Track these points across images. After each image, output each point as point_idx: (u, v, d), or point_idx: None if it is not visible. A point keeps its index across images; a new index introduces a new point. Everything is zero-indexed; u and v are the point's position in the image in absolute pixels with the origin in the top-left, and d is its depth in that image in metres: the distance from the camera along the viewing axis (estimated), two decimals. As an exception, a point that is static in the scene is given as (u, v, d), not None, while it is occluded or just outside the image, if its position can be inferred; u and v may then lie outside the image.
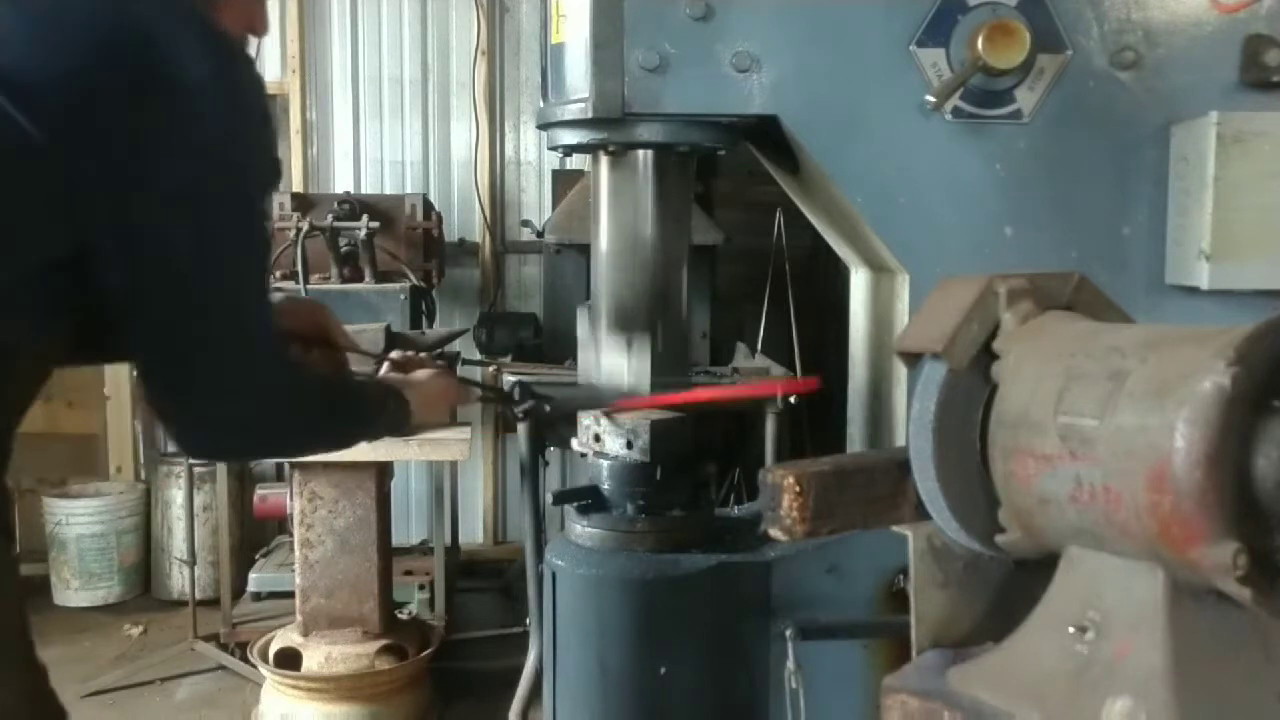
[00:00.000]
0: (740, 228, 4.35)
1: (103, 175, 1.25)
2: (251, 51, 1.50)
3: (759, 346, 4.03)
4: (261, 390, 1.43)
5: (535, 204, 5.50)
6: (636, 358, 1.94)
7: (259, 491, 4.49)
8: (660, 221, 2.03)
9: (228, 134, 1.32)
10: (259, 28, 1.55)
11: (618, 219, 2.05)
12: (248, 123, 1.36)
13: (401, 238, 4.44)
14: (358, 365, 1.89)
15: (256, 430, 1.46)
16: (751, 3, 1.87)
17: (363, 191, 5.01)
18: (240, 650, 4.18)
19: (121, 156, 1.25)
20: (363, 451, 3.47)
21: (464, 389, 2.00)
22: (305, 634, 3.60)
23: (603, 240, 2.07)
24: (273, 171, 1.46)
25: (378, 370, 1.91)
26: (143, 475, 5.35)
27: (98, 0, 1.31)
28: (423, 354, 2.07)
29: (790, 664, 1.80)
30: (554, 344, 3.92)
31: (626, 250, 2.04)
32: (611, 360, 2.02)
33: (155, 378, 1.41)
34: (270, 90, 5.26)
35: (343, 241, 4.09)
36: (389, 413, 1.70)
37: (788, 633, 1.82)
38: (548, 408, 2.05)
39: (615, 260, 2.06)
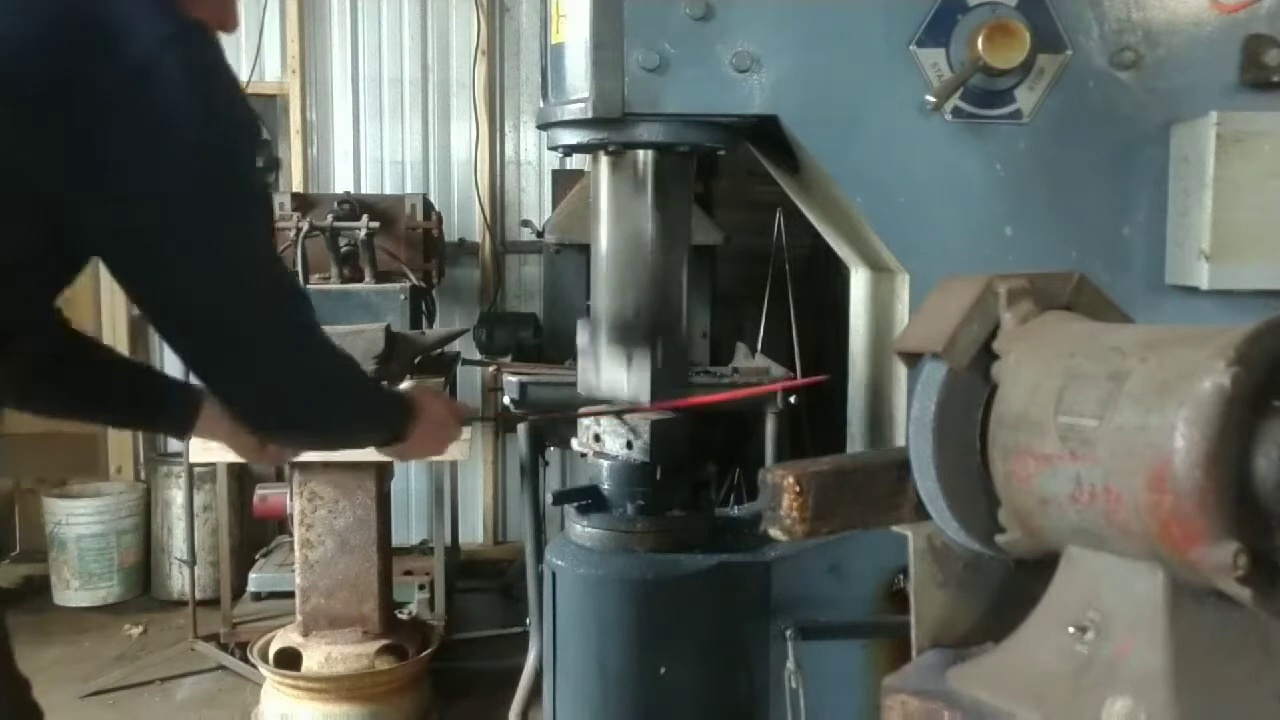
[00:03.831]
0: (740, 228, 4.34)
1: (71, 165, 1.23)
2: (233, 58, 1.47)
3: (759, 346, 4.03)
4: (285, 348, 1.42)
5: (535, 204, 5.50)
6: (636, 374, 1.92)
7: (259, 491, 4.49)
8: (661, 234, 1.99)
9: (192, 111, 1.27)
10: (228, 23, 1.51)
11: (618, 229, 2.02)
12: (211, 91, 1.31)
13: (401, 238, 4.44)
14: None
15: (297, 399, 1.46)
16: (751, 3, 1.87)
17: (363, 191, 5.01)
18: (240, 650, 4.17)
19: (88, 147, 1.23)
20: (363, 451, 3.48)
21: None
22: (305, 634, 3.60)
23: (602, 250, 2.04)
24: (248, 134, 1.41)
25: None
26: (143, 475, 5.35)
27: None
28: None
29: (790, 664, 1.80)
30: (554, 344, 3.92)
31: (627, 265, 2.00)
32: (611, 375, 2.00)
33: (199, 367, 1.42)
34: (270, 90, 5.30)
35: (343, 241, 4.09)
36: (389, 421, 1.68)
37: (788, 633, 1.82)
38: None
39: (614, 275, 2.02)
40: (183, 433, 1.76)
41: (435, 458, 1.85)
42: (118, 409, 1.79)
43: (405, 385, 1.80)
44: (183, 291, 1.34)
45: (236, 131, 1.36)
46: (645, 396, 1.90)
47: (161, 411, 1.74)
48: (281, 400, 1.46)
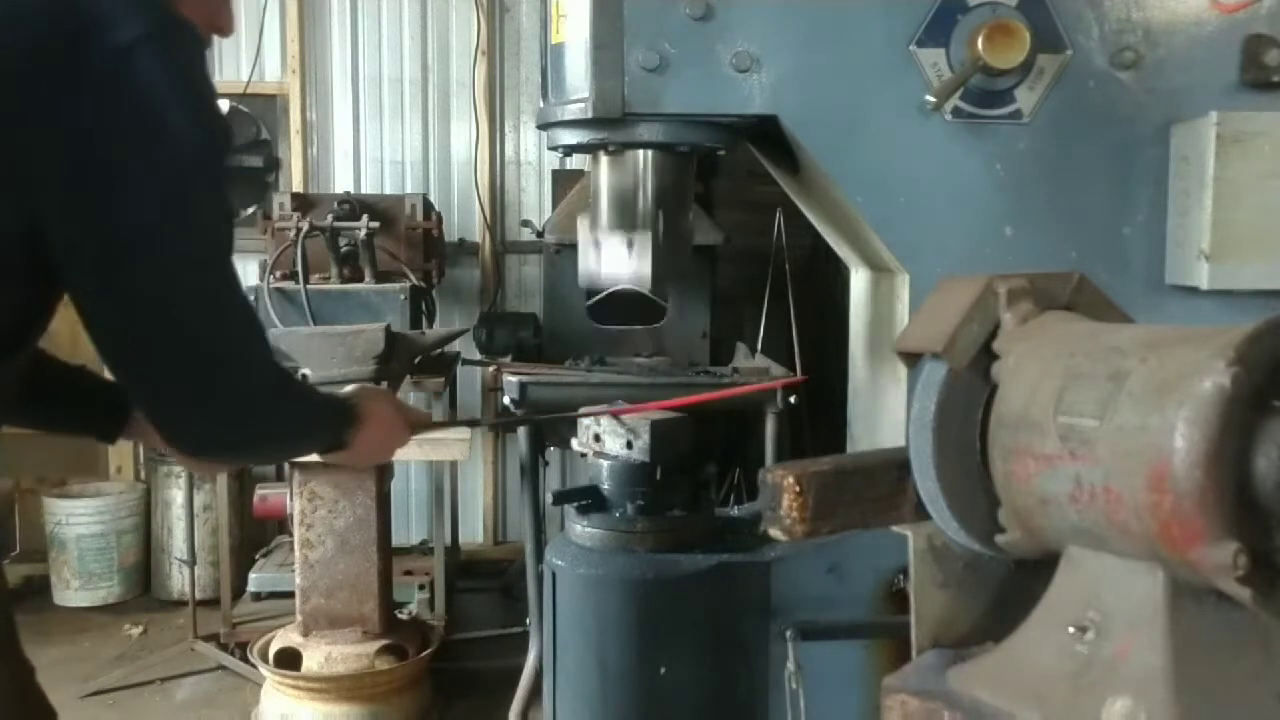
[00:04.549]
0: (740, 228, 4.34)
1: (45, 154, 1.23)
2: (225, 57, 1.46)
3: (759, 346, 4.03)
4: (234, 359, 1.36)
5: (535, 204, 5.50)
6: (637, 257, 1.87)
7: (259, 491, 4.49)
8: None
9: (169, 106, 1.26)
10: (224, 27, 1.50)
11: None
12: (188, 88, 1.30)
13: (401, 238, 4.44)
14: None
15: (244, 414, 1.39)
16: (751, 3, 1.87)
17: (363, 191, 5.01)
18: (240, 650, 4.17)
19: (62, 132, 1.23)
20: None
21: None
22: (305, 634, 3.60)
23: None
24: (219, 137, 1.39)
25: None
26: (143, 475, 5.35)
27: None
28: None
29: (790, 664, 1.80)
30: (554, 344, 3.92)
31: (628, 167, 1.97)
32: (612, 255, 1.94)
33: (133, 378, 1.37)
34: (270, 90, 5.29)
35: (343, 241, 4.09)
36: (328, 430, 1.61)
37: (788, 633, 1.82)
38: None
39: (615, 172, 1.98)
40: (112, 436, 1.70)
41: (378, 462, 1.79)
42: (51, 413, 1.69)
43: (350, 389, 1.74)
44: (140, 289, 1.30)
45: (209, 133, 1.35)
46: (647, 274, 1.85)
47: (93, 415, 1.68)
48: (220, 418, 1.39)
